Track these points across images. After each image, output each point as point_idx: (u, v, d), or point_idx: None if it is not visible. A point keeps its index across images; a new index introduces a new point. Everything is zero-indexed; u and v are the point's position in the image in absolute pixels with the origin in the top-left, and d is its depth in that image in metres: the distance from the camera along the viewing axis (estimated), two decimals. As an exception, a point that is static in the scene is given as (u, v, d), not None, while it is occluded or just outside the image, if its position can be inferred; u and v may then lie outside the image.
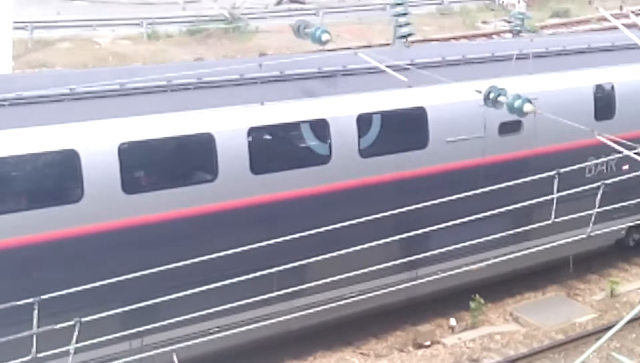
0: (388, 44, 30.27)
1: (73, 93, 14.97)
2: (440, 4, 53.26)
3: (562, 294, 21.42)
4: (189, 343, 13.05)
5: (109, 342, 12.63)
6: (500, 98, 14.26)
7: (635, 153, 14.25)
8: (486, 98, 14.42)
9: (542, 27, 45.65)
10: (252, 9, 46.32)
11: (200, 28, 43.34)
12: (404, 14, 21.71)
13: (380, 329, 19.09)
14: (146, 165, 15.28)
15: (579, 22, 48.51)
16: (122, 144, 14.68)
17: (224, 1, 44.18)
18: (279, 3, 51.27)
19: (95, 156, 14.38)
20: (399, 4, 22.07)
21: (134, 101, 15.47)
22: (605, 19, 31.81)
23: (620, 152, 14.24)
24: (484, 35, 44.65)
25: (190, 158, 15.73)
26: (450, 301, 19.73)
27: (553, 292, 21.46)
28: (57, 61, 36.42)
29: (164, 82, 15.80)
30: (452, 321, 19.67)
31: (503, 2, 53.07)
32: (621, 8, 24.59)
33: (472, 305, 19.59)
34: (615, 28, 21.95)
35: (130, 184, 14.75)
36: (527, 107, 14.02)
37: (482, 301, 19.70)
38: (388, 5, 41.58)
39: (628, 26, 21.99)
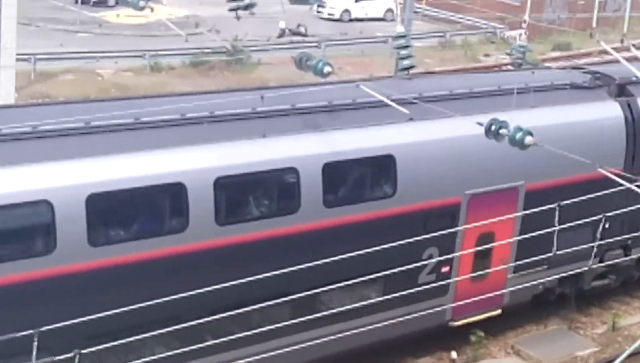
0: (390, 76, 30.29)
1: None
2: (442, 36, 53.45)
3: (563, 327, 21.35)
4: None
5: None
6: (502, 131, 14.30)
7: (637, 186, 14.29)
8: (487, 131, 14.46)
9: (544, 60, 45.77)
10: (254, 41, 46.47)
11: (202, 60, 43.47)
12: (406, 47, 21.72)
13: (381, 362, 19.01)
14: None
15: (581, 56, 48.64)
16: None
17: (227, 33, 44.32)
18: (281, 35, 51.43)
19: None
20: (401, 37, 22.12)
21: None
22: (606, 52, 31.92)
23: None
24: (485, 67, 44.79)
25: None
26: (452, 334, 19.66)
27: (555, 325, 21.39)
28: (60, 93, 36.48)
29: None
30: (453, 354, 19.58)
31: (504, 35, 53.25)
32: (622, 41, 24.70)
33: (473, 338, 19.51)
34: (617, 61, 22.05)
35: None
36: (529, 140, 14.06)
37: (483, 334, 19.63)
38: (390, 38, 41.89)
39: (629, 59, 22.07)
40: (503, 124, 14.41)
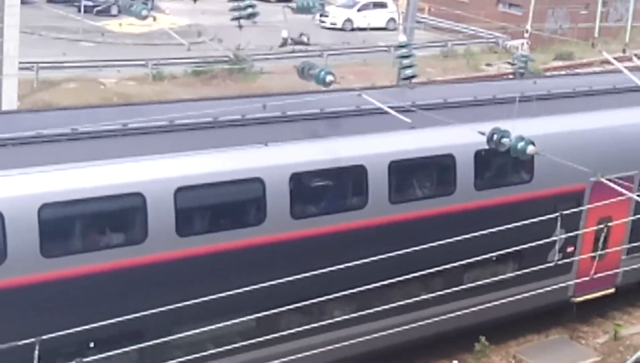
0: (393, 86, 30.34)
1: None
2: (444, 46, 53.51)
3: (565, 336, 21.35)
4: None
5: None
6: (504, 140, 14.31)
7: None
8: (489, 140, 14.47)
9: (546, 70, 45.81)
10: (257, 50, 46.53)
11: (205, 69, 43.54)
12: (408, 56, 21.80)
13: (383, 371, 19.02)
14: None
15: (582, 65, 48.69)
16: None
17: (229, 42, 44.39)
18: (283, 44, 51.47)
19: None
20: (403, 46, 22.18)
21: None
22: (608, 62, 31.95)
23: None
24: (488, 77, 44.82)
25: None
26: (454, 343, 19.66)
27: (556, 334, 21.39)
28: (63, 101, 36.49)
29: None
30: (455, 363, 19.61)
31: (507, 44, 53.33)
32: (624, 51, 24.76)
33: (477, 346, 19.50)
34: (619, 71, 22.08)
35: None
36: (530, 149, 14.08)
37: (486, 343, 19.62)
38: (392, 47, 41.93)
39: (631, 69, 22.10)
40: (503, 135, 14.48)
